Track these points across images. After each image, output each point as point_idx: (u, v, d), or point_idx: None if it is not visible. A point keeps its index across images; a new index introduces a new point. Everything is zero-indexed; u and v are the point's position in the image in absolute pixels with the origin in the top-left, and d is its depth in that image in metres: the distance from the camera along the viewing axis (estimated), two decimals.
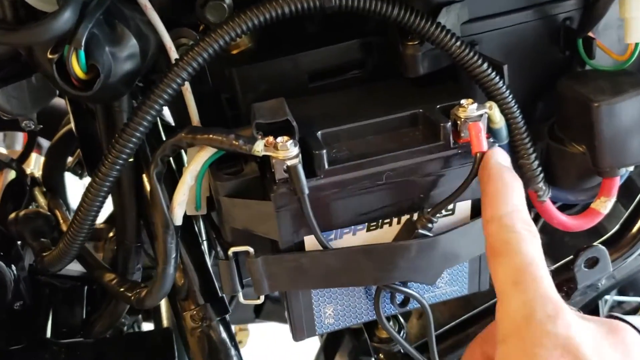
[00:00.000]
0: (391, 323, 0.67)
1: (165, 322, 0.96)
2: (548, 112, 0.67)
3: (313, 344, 1.25)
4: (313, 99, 0.64)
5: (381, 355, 0.70)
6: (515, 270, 0.46)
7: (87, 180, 0.85)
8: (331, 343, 1.16)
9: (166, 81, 0.53)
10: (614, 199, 0.61)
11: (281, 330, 1.44)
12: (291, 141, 0.52)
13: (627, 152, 0.58)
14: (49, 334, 0.71)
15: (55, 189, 0.88)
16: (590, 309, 1.14)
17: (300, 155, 0.52)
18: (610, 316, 1.10)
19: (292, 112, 0.55)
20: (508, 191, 0.50)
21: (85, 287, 0.80)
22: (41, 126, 0.84)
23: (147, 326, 1.15)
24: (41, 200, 0.83)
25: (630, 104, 0.57)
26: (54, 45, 0.50)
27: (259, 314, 1.26)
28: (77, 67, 0.50)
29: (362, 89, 0.65)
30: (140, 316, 1.07)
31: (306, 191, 0.52)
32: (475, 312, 0.71)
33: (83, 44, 0.49)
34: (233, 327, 1.48)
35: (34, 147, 0.95)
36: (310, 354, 1.24)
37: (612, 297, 1.38)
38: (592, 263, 0.66)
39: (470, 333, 0.71)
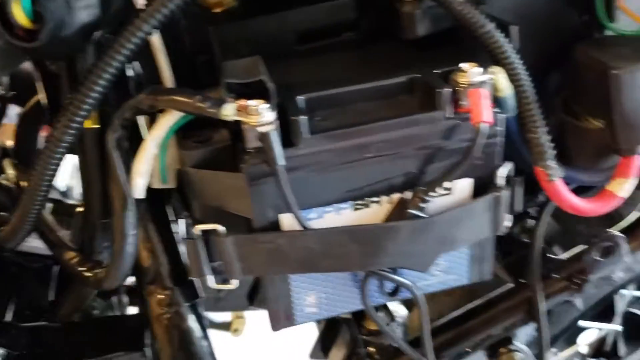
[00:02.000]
0: (382, 314, 0.61)
1: None
2: (563, 83, 0.60)
3: (312, 334, 1.20)
4: (300, 62, 0.57)
5: (372, 349, 0.64)
6: None
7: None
8: (328, 333, 1.10)
9: (128, 32, 0.47)
10: (633, 181, 0.54)
11: None
12: (266, 105, 0.46)
13: None
14: (10, 317, 0.66)
15: (26, 160, 0.82)
16: (606, 304, 1.08)
17: (277, 121, 0.46)
18: (627, 312, 1.03)
19: (275, 75, 0.49)
20: None
21: (57, 267, 0.74)
22: (13, 92, 0.79)
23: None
24: (10, 172, 0.77)
25: None
26: None
27: (252, 301, 1.20)
28: (19, 14, 0.44)
29: (355, 52, 0.58)
30: (126, 300, 1.02)
31: (281, 162, 0.46)
32: (477, 303, 0.65)
33: None
34: (229, 315, 1.44)
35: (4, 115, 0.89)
36: (308, 344, 1.19)
37: (631, 292, 1.31)
38: (607, 252, 0.59)
39: (470, 326, 0.64)
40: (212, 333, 1.42)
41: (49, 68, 0.64)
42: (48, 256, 0.74)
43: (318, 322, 1.19)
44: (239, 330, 1.39)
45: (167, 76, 0.55)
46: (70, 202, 0.94)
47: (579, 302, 0.96)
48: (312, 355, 1.13)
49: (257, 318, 1.56)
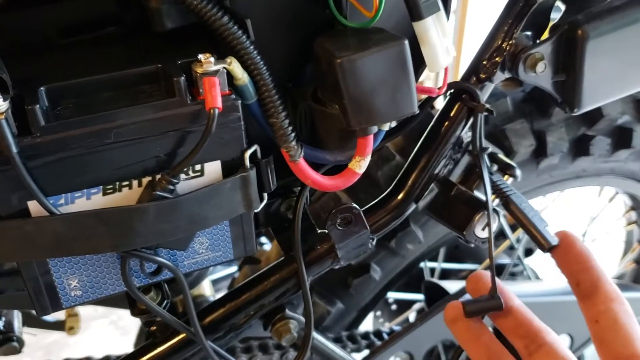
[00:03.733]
0: (152, 294, 0.64)
1: None
2: (313, 73, 0.65)
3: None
4: (59, 56, 0.58)
5: (153, 328, 0.67)
6: None
7: None
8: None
9: None
10: (368, 158, 0.60)
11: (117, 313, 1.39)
12: None
13: (375, 110, 0.57)
14: None
15: None
16: (413, 273, 1.17)
17: (8, 110, 0.47)
18: (425, 281, 1.13)
19: (27, 69, 0.50)
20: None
21: None
22: None
23: None
24: None
25: (373, 61, 0.56)
26: None
27: None
28: None
29: (114, 45, 0.61)
30: None
31: (14, 149, 0.47)
32: (252, 277, 0.69)
33: None
34: (63, 314, 1.41)
35: None
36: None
37: (440, 265, 1.43)
38: (346, 222, 0.65)
39: (245, 298, 0.68)
40: (47, 334, 1.39)
41: None
42: None
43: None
44: (75, 328, 1.37)
45: None
46: None
47: (376, 274, 1.05)
48: (136, 345, 1.15)
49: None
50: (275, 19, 0.62)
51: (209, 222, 0.58)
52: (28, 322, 1.34)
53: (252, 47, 0.55)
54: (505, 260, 1.52)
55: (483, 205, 0.66)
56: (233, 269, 1.32)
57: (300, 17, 0.63)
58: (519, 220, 0.66)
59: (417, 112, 0.59)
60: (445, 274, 1.44)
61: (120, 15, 0.61)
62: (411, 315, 1.51)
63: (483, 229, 0.67)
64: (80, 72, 0.54)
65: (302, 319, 0.71)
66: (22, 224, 0.51)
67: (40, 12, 0.59)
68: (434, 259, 1.39)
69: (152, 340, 0.68)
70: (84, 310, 1.42)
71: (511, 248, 1.48)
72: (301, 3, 0.63)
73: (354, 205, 0.65)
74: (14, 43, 0.58)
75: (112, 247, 0.54)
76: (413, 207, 0.70)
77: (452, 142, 0.69)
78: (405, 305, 1.54)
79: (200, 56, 0.53)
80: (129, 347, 1.17)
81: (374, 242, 0.68)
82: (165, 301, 0.64)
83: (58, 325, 1.38)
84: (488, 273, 0.62)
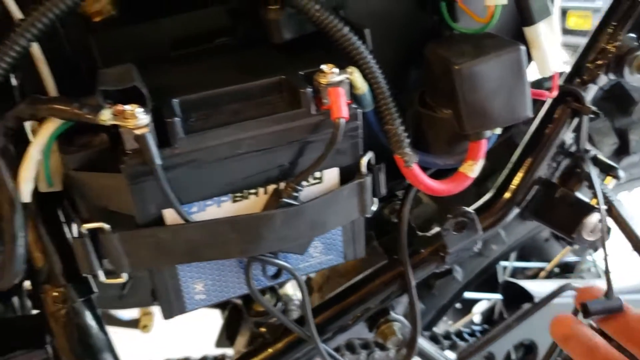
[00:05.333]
0: (267, 296, 0.66)
1: None
2: (419, 78, 0.66)
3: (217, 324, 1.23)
4: (177, 66, 0.61)
5: (263, 329, 0.69)
6: None
7: None
8: (232, 322, 1.15)
9: (6, 47, 0.50)
10: (481, 162, 0.61)
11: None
12: (141, 109, 0.49)
13: (490, 115, 0.58)
14: None
15: None
16: (489, 274, 1.17)
17: (152, 123, 0.50)
18: (505, 282, 1.13)
19: (151, 80, 0.52)
20: None
21: None
22: None
23: None
24: None
25: (490, 67, 0.57)
26: None
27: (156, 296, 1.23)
28: None
29: (228, 56, 0.62)
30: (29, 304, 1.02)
31: (158, 162, 0.50)
32: (356, 279, 0.71)
33: None
34: (137, 311, 1.45)
35: None
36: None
37: (512, 264, 1.42)
38: (461, 227, 0.66)
39: (351, 301, 0.70)
40: (121, 331, 1.44)
41: None
42: None
43: (222, 311, 1.23)
44: (148, 326, 1.41)
45: (50, 84, 0.57)
46: None
47: (458, 275, 1.05)
48: (218, 344, 1.18)
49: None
50: (384, 27, 0.63)
51: (327, 227, 0.59)
52: (104, 319, 1.38)
53: (370, 56, 0.57)
54: (572, 257, 1.50)
55: (591, 208, 0.66)
56: None
57: (407, 24, 0.65)
58: (622, 227, 0.67)
59: (532, 116, 0.59)
60: (513, 272, 1.44)
61: (232, 26, 0.63)
62: (475, 316, 1.51)
63: (591, 232, 0.67)
64: (204, 84, 0.56)
65: (405, 320, 0.73)
66: (158, 232, 0.54)
67: (156, 25, 0.61)
68: (505, 257, 1.38)
69: (262, 341, 0.70)
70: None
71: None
72: (409, 10, 0.64)
73: (469, 209, 0.66)
74: (134, 55, 0.60)
75: (241, 252, 0.56)
76: (517, 210, 0.71)
77: (556, 144, 0.69)
78: (468, 304, 1.54)
79: (324, 67, 0.54)
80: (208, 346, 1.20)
81: (478, 245, 0.69)
82: (279, 303, 0.66)
83: (132, 323, 1.42)
84: (600, 287, 0.61)
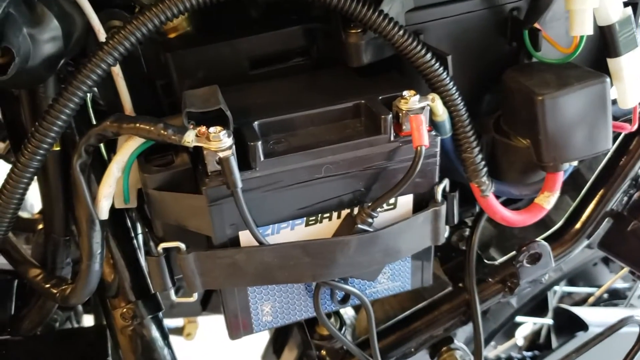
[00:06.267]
0: (332, 320, 0.65)
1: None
2: (495, 105, 0.65)
3: (262, 337, 1.23)
4: (253, 87, 0.61)
5: (323, 352, 0.68)
6: None
7: None
8: (280, 336, 1.14)
9: (91, 64, 0.50)
10: (557, 194, 0.60)
11: None
12: (224, 132, 0.49)
13: (571, 147, 0.57)
14: None
15: None
16: (540, 299, 1.15)
17: (234, 146, 0.49)
18: (557, 307, 1.11)
19: (229, 100, 0.52)
20: None
21: (16, 281, 0.76)
22: None
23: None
24: None
25: (574, 98, 0.55)
26: None
27: (206, 306, 1.23)
28: None
29: (305, 77, 0.62)
30: (80, 309, 1.03)
31: (239, 185, 0.49)
32: (420, 306, 0.70)
33: None
34: (182, 320, 1.46)
35: None
36: (260, 347, 1.22)
37: (562, 288, 1.40)
38: (535, 259, 0.65)
39: (414, 328, 0.69)
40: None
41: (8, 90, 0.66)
42: (8, 271, 0.75)
43: None
44: (192, 334, 1.42)
45: (127, 100, 0.58)
46: (26, 215, 0.95)
47: (513, 300, 1.04)
48: (265, 357, 1.17)
49: (208, 322, 1.59)
50: (462, 52, 0.62)
51: (400, 255, 0.59)
52: None
53: (452, 83, 0.56)
54: (622, 284, 1.47)
55: None
56: None
57: (485, 50, 0.64)
58: None
59: (612, 148, 0.58)
60: (560, 297, 1.41)
61: (307, 47, 0.63)
62: (519, 340, 1.48)
63: None
64: (282, 106, 0.56)
65: (467, 349, 0.71)
66: (234, 254, 0.53)
67: (235, 44, 0.61)
68: (558, 283, 1.36)
69: None
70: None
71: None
72: (488, 35, 0.63)
73: (542, 241, 0.64)
74: (210, 74, 0.61)
75: (313, 277, 0.56)
76: (586, 242, 0.69)
77: (630, 176, 0.67)
78: (511, 327, 1.51)
79: (405, 93, 0.54)
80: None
81: (546, 277, 0.67)
82: (343, 328, 0.65)
83: (177, 331, 1.43)
84: None
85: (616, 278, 1.45)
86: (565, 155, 0.58)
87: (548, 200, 0.60)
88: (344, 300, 0.62)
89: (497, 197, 0.63)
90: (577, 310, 1.07)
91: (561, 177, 0.59)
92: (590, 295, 1.46)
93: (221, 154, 0.49)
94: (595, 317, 1.05)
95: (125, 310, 0.60)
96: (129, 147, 0.52)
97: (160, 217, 0.55)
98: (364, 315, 1.15)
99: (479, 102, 0.66)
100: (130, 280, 0.61)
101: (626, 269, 1.47)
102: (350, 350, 0.64)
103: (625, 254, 0.68)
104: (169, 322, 1.40)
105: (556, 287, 1.39)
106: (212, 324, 1.61)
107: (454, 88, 0.56)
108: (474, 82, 0.65)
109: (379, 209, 0.56)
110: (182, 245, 0.53)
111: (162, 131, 0.50)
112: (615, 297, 1.50)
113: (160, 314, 0.63)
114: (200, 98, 0.52)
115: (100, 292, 0.62)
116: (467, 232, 0.68)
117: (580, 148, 0.57)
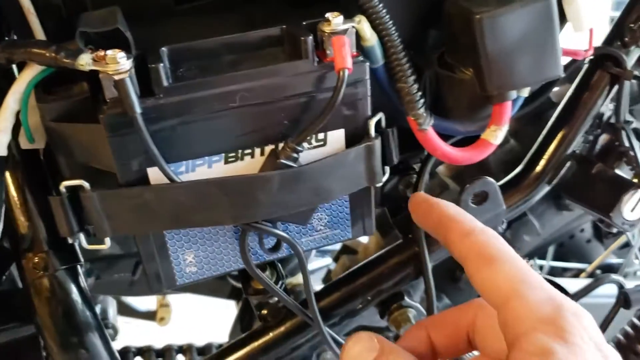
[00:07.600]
0: (267, 273, 0.60)
1: None
2: (439, 38, 0.60)
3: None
4: (177, 19, 0.56)
5: (264, 311, 0.63)
6: (521, 270, 0.42)
7: None
8: (246, 313, 1.10)
9: None
10: (505, 128, 0.55)
11: (204, 304, 1.38)
12: (122, 54, 0.45)
13: (516, 73, 0.52)
14: None
15: None
16: None
17: (132, 69, 0.45)
18: (547, 279, 1.06)
19: (146, 31, 0.48)
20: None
21: None
22: None
23: None
24: None
25: (517, 17, 0.51)
26: None
27: None
28: None
29: (235, 10, 0.58)
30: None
31: (138, 110, 0.45)
32: (366, 260, 0.65)
33: None
34: (155, 300, 1.41)
35: None
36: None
37: (549, 263, 1.34)
38: (481, 199, 0.60)
39: (361, 283, 0.64)
40: (138, 323, 1.40)
41: None
42: None
43: (237, 302, 1.19)
44: (165, 319, 1.38)
45: (38, 31, 0.53)
46: None
47: None
48: (232, 335, 1.13)
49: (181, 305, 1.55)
50: None
51: (332, 195, 0.54)
52: (121, 311, 1.35)
53: (381, 5, 0.51)
54: (613, 260, 1.42)
55: (631, 185, 0.59)
56: (328, 260, 1.29)
57: None
58: None
59: (563, 75, 0.53)
60: (551, 273, 1.36)
61: None
62: None
63: (632, 210, 0.60)
64: (200, 35, 0.51)
65: (421, 307, 0.66)
66: (141, 192, 0.49)
67: None
68: (542, 256, 1.31)
69: (263, 325, 0.65)
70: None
71: (626, 245, 1.37)
72: None
73: (490, 179, 0.59)
74: (131, 10, 0.56)
75: (233, 218, 0.51)
76: (546, 188, 0.64)
77: (592, 114, 0.62)
78: None
79: (328, 15, 0.49)
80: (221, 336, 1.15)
81: (504, 225, 0.62)
82: (280, 282, 0.60)
83: (150, 315, 1.38)
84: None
85: (607, 252, 1.40)
86: (511, 83, 0.53)
87: (495, 135, 0.55)
88: (275, 248, 0.57)
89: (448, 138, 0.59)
90: (562, 281, 1.01)
91: (509, 108, 0.54)
92: (581, 271, 1.41)
93: (117, 77, 0.44)
94: (579, 286, 0.99)
95: (36, 260, 0.56)
96: (25, 76, 0.48)
97: (65, 154, 0.50)
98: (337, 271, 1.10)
99: (424, 38, 0.61)
100: (44, 229, 0.56)
101: (617, 243, 1.42)
102: (286, 305, 0.59)
103: (590, 199, 0.63)
104: (140, 306, 1.36)
105: (543, 262, 1.34)
106: (186, 307, 1.57)
107: (384, 11, 0.51)
108: (415, 15, 0.60)
109: (305, 144, 0.51)
110: (86, 184, 0.49)
111: (53, 54, 0.45)
112: (609, 272, 1.44)
113: (79, 267, 0.58)
114: (97, 19, 0.47)
115: (14, 245, 0.58)
116: (414, 178, 0.63)
117: (527, 74, 0.53)
